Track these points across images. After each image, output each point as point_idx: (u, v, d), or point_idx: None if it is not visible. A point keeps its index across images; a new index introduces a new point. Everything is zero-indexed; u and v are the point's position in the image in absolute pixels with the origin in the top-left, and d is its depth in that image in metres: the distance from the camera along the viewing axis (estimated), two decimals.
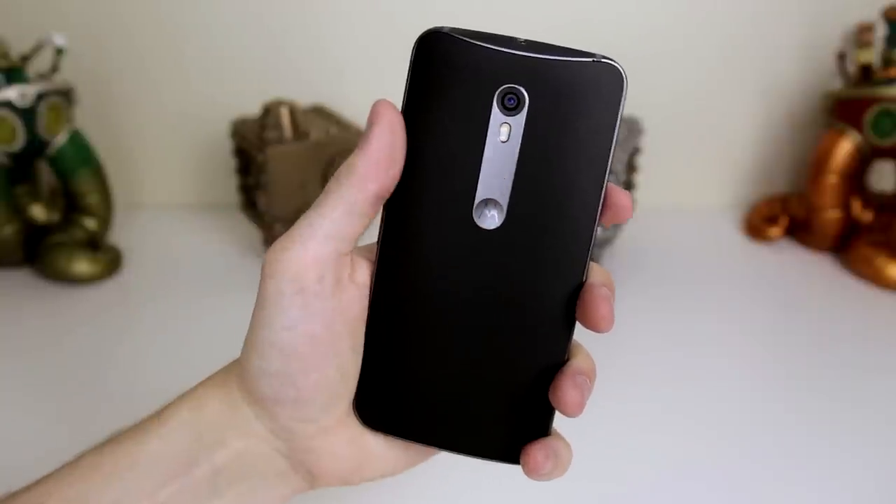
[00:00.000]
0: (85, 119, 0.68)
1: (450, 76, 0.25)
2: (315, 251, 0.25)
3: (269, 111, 0.60)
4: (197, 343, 0.54)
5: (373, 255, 0.27)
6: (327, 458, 0.27)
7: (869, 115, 0.65)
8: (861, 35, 0.65)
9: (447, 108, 0.25)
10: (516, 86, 0.24)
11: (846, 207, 0.68)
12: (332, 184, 0.25)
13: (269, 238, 0.64)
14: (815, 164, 0.68)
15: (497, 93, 0.25)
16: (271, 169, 0.60)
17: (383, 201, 0.26)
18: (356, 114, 0.67)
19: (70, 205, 0.66)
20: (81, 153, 0.64)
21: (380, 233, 0.27)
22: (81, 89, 0.66)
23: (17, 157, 0.62)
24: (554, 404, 0.26)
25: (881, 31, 0.65)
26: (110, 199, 0.67)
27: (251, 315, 0.26)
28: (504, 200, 0.25)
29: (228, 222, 0.73)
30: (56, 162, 0.64)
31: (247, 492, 0.27)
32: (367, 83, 0.72)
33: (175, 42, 0.71)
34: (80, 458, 0.26)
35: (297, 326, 0.25)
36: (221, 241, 0.70)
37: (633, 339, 0.56)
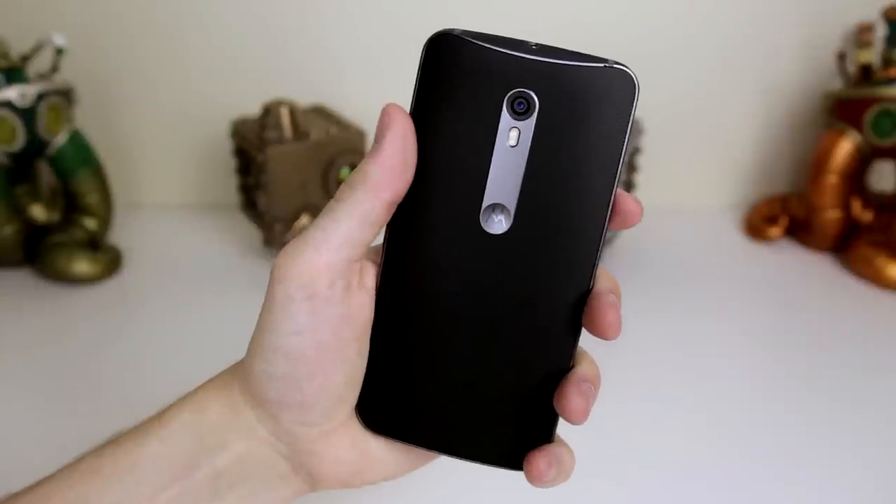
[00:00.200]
0: (85, 119, 0.68)
1: (459, 79, 0.24)
2: (328, 258, 0.24)
3: (269, 111, 0.60)
4: (197, 343, 0.54)
5: (378, 257, 0.27)
6: (329, 461, 0.27)
7: (869, 115, 0.65)
8: (861, 35, 0.65)
9: (456, 111, 0.25)
10: (526, 90, 0.24)
11: (846, 207, 0.68)
12: (344, 190, 0.25)
13: (269, 238, 0.64)
14: (815, 164, 0.68)
15: (507, 97, 0.24)
16: (271, 169, 0.60)
17: (395, 206, 0.25)
18: (356, 114, 0.67)
19: (70, 205, 0.66)
20: (81, 153, 0.64)
21: (385, 235, 0.26)
22: (81, 89, 0.66)
23: (17, 157, 0.62)
24: (558, 411, 0.26)
25: (881, 31, 0.65)
26: (110, 199, 0.67)
27: (257, 318, 0.26)
28: (512, 205, 0.25)
29: (228, 222, 0.73)
30: (56, 162, 0.64)
31: (248, 494, 0.27)
32: (368, 83, 0.72)
33: (175, 42, 0.71)
34: (81, 459, 0.26)
35: (305, 332, 0.25)
36: (221, 241, 0.70)
37: (633, 339, 0.55)
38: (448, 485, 0.41)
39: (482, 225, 0.25)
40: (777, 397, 0.51)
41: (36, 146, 0.62)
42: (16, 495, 0.26)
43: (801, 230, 0.71)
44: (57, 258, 0.61)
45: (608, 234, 0.26)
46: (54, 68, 0.63)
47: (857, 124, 0.66)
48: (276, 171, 0.60)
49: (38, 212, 0.66)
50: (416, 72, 0.25)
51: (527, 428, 0.27)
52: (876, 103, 0.65)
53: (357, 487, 0.28)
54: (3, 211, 0.62)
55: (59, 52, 0.62)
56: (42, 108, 0.61)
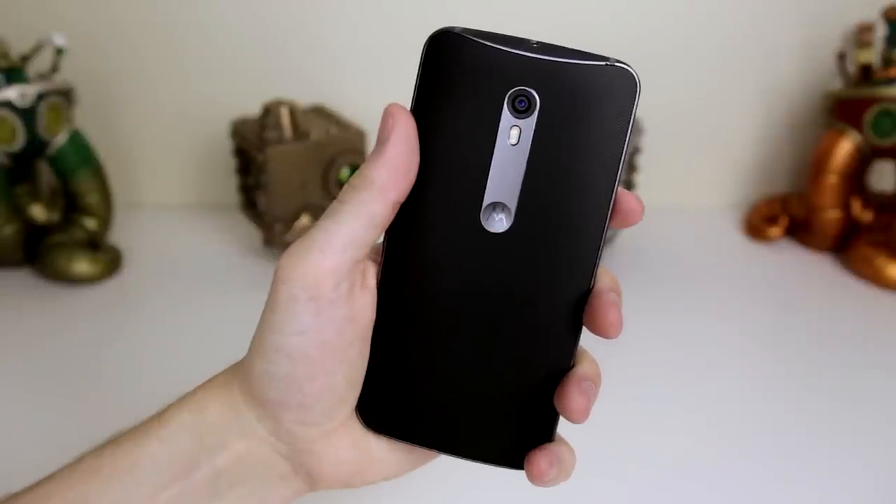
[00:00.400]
0: (85, 119, 0.68)
1: (460, 77, 0.24)
2: (333, 260, 0.24)
3: (269, 111, 0.60)
4: (197, 343, 0.54)
5: (379, 256, 0.27)
6: (329, 461, 0.27)
7: (869, 115, 0.65)
8: (861, 35, 0.65)
9: (457, 110, 0.25)
10: (527, 88, 0.24)
11: (846, 207, 0.68)
12: (348, 192, 0.25)
13: (269, 238, 0.64)
14: (815, 164, 0.68)
15: (508, 95, 0.24)
16: (271, 169, 0.60)
17: (399, 207, 0.25)
18: (356, 114, 0.67)
19: (70, 205, 0.66)
20: (81, 153, 0.64)
21: (385, 234, 0.26)
22: (81, 89, 0.66)
23: (17, 157, 0.62)
24: (559, 410, 0.26)
25: (881, 31, 0.65)
26: (110, 199, 0.67)
27: (259, 317, 0.26)
28: (512, 204, 0.25)
29: (228, 222, 0.73)
30: (56, 162, 0.64)
31: (247, 494, 0.27)
32: (368, 83, 0.72)
33: (175, 42, 0.71)
34: (80, 459, 0.26)
35: (309, 332, 0.25)
36: (221, 241, 0.70)
37: (633, 339, 0.55)
38: (448, 484, 0.41)
39: (483, 223, 0.25)
40: (777, 397, 0.51)
41: (36, 146, 0.62)
42: (16, 495, 0.26)
43: (801, 230, 0.71)
44: (57, 258, 0.61)
45: (609, 233, 0.26)
46: (54, 68, 0.63)
47: (857, 124, 0.66)
48: (276, 171, 0.60)
49: (38, 212, 0.66)
50: (417, 70, 0.25)
51: (527, 427, 0.27)
52: (876, 103, 0.65)
53: (357, 487, 0.28)
54: (3, 211, 0.62)
55: (59, 52, 0.62)
56: (42, 108, 0.61)
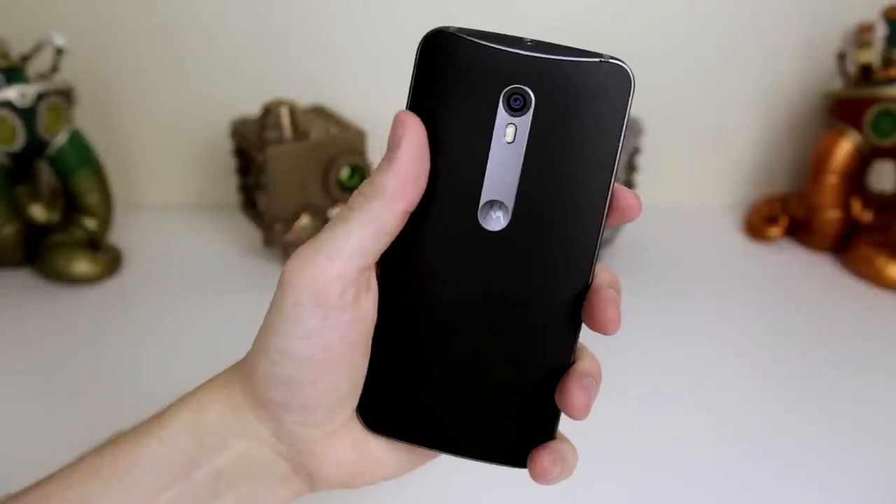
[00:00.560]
0: (85, 119, 0.68)
1: (455, 76, 0.24)
2: (340, 267, 0.24)
3: (269, 111, 0.60)
4: (197, 343, 0.54)
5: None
6: (330, 462, 0.27)
7: (869, 115, 0.65)
8: (861, 35, 0.65)
9: (452, 109, 0.25)
10: (522, 86, 0.24)
11: (846, 207, 0.68)
12: (358, 199, 0.25)
13: (269, 238, 0.64)
14: (815, 164, 0.68)
15: (503, 93, 0.24)
16: (271, 169, 0.60)
17: (409, 215, 0.25)
18: (356, 114, 0.67)
19: (70, 205, 0.66)
20: (81, 153, 0.64)
21: None
22: (81, 89, 0.66)
23: (17, 157, 0.62)
24: (560, 407, 0.26)
25: (881, 31, 0.65)
26: (110, 199, 0.67)
27: (263, 319, 0.26)
28: (509, 202, 0.25)
29: (228, 222, 0.73)
30: (56, 162, 0.64)
31: (247, 494, 0.27)
32: (368, 83, 0.72)
33: (175, 42, 0.71)
34: (80, 460, 0.26)
35: (314, 337, 0.25)
36: (221, 241, 0.70)
37: (633, 339, 0.56)
38: (449, 483, 0.41)
39: (480, 222, 0.25)
40: (777, 397, 0.51)
41: (36, 146, 0.62)
42: (15, 495, 0.26)
43: (801, 230, 0.71)
44: (57, 258, 0.61)
45: (608, 234, 0.26)
46: (54, 68, 0.63)
47: (857, 124, 0.66)
48: (276, 171, 0.60)
49: (38, 212, 0.66)
50: (412, 70, 0.25)
51: (529, 425, 0.27)
52: (876, 103, 0.65)
53: (357, 488, 0.28)
54: (3, 211, 0.62)
55: (59, 52, 0.62)
56: (42, 108, 0.61)
